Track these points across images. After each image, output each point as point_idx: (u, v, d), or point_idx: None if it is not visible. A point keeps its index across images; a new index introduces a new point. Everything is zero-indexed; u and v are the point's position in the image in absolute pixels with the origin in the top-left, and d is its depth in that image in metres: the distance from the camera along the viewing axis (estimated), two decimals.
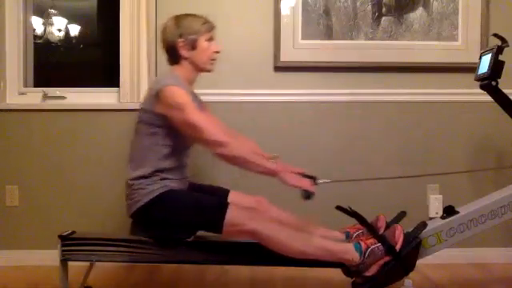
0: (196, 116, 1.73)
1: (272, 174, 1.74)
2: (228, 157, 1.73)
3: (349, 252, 1.75)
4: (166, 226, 1.80)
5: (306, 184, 1.74)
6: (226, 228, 1.73)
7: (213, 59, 1.94)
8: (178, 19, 1.90)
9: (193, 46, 1.87)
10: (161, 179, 1.81)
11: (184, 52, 1.87)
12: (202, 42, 1.89)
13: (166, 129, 1.80)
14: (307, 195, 1.74)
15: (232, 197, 1.98)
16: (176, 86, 1.77)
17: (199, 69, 1.93)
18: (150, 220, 1.81)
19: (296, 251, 1.75)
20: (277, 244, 1.74)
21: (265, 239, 1.74)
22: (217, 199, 1.86)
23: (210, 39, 1.92)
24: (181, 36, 1.86)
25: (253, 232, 1.73)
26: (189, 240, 1.85)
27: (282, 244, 1.74)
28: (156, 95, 1.77)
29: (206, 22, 1.92)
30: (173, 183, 1.83)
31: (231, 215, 1.73)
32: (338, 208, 1.78)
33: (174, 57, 1.90)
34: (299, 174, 1.81)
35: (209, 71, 1.96)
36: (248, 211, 1.79)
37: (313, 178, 1.82)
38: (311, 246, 1.75)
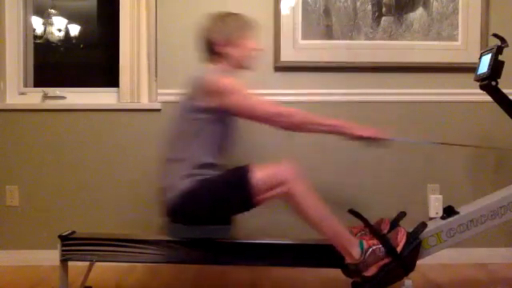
0: (251, 97, 1.79)
1: (339, 127, 1.82)
2: (295, 124, 1.80)
3: (354, 246, 1.76)
4: (200, 219, 1.80)
5: (374, 131, 1.82)
6: (256, 191, 1.71)
7: (253, 57, 1.95)
8: (219, 18, 1.92)
9: (234, 43, 1.89)
10: (201, 175, 1.79)
11: (225, 49, 1.88)
12: (243, 40, 1.90)
13: (214, 124, 1.80)
14: (376, 143, 1.82)
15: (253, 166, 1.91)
16: (223, 76, 1.80)
17: (239, 66, 1.94)
18: (184, 214, 1.80)
19: (315, 220, 1.74)
20: (301, 206, 1.73)
21: (294, 198, 1.72)
22: (238, 169, 1.81)
23: (250, 37, 1.93)
24: (223, 34, 1.87)
25: (285, 188, 1.71)
26: (228, 227, 1.84)
27: (305, 207, 1.73)
28: (204, 88, 1.78)
29: (246, 20, 1.95)
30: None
31: (258, 177, 1.71)
32: (351, 212, 1.80)
33: (214, 55, 1.91)
34: None
35: (249, 69, 1.97)
36: (276, 169, 1.75)
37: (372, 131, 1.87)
38: (327, 223, 1.75)
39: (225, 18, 1.92)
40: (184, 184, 1.76)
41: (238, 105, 1.78)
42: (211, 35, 1.89)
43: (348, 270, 1.81)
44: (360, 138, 1.84)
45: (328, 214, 1.76)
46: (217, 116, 1.80)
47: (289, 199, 1.73)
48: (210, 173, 1.80)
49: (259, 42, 1.97)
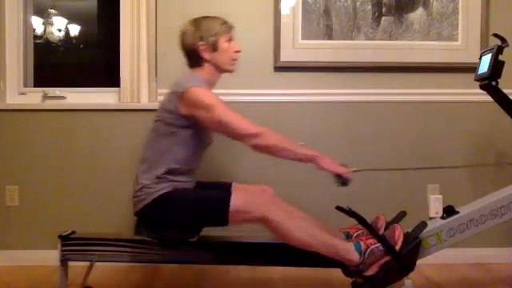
0: (226, 113, 1.77)
1: (310, 159, 1.78)
2: (265, 146, 1.76)
3: (350, 252, 1.76)
4: (169, 225, 1.80)
5: (343, 170, 1.77)
6: (233, 217, 1.73)
7: (234, 59, 1.94)
8: (197, 22, 1.91)
9: (214, 47, 1.88)
10: (170, 181, 1.81)
11: (205, 54, 1.88)
12: (223, 43, 1.90)
13: (187, 130, 1.82)
14: (343, 181, 1.76)
15: (235, 187, 1.97)
16: (201, 87, 1.80)
17: (221, 70, 1.94)
18: (154, 219, 1.82)
19: (301, 242, 1.75)
20: (284, 231, 1.73)
21: (273, 226, 1.73)
22: (219, 191, 1.86)
23: (230, 39, 1.93)
24: (201, 39, 1.87)
25: (261, 218, 1.72)
26: (192, 240, 1.85)
27: (289, 232, 1.73)
28: (181, 97, 1.78)
29: (224, 22, 1.94)
30: (180, 184, 1.84)
31: (236, 203, 1.73)
32: (338, 208, 1.78)
33: (195, 60, 1.90)
34: None
35: (231, 71, 1.97)
36: (254, 198, 1.78)
37: (344, 166, 1.82)
38: (317, 239, 1.75)
39: (202, 22, 1.91)
40: (157, 188, 1.78)
41: (212, 120, 1.77)
42: (190, 40, 1.88)
43: (348, 269, 1.81)
44: (331, 173, 1.79)
45: (313, 230, 1.77)
46: (192, 124, 1.81)
47: (266, 223, 1.74)
48: (181, 178, 1.83)
49: (238, 43, 1.96)
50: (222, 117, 1.76)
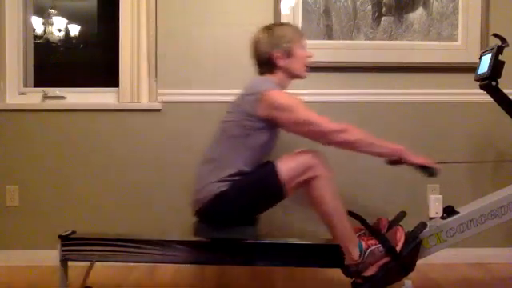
0: (308, 113, 1.78)
1: (396, 152, 1.79)
2: (352, 142, 1.77)
3: (354, 245, 1.78)
4: (231, 220, 1.81)
5: (430, 161, 1.78)
6: (287, 186, 1.73)
7: (306, 65, 1.95)
8: (270, 30, 1.91)
9: (288, 54, 1.88)
10: (233, 181, 1.80)
11: (280, 61, 1.88)
12: (297, 50, 1.90)
13: (262, 133, 1.81)
14: (431, 172, 1.77)
15: (280, 159, 1.89)
16: (279, 90, 1.82)
17: (293, 76, 1.94)
18: (214, 217, 1.82)
19: (329, 210, 1.75)
20: (321, 194, 1.74)
21: (315, 185, 1.73)
22: (265, 168, 1.82)
23: (303, 46, 1.93)
24: (277, 46, 1.87)
25: (311, 178, 1.72)
26: (249, 241, 1.84)
27: (326, 196, 1.74)
28: (260, 99, 1.78)
29: (296, 29, 1.96)
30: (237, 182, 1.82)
31: (285, 172, 1.73)
32: (349, 213, 1.80)
33: (268, 67, 1.91)
34: None
35: (302, 78, 1.97)
36: (302, 160, 1.76)
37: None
38: (340, 216, 1.76)
39: (276, 29, 1.91)
40: (217, 187, 1.78)
41: (294, 121, 1.78)
42: (265, 48, 1.88)
43: (348, 269, 1.81)
44: (412, 165, 1.81)
45: (341, 208, 1.78)
46: (266, 126, 1.81)
47: (311, 185, 1.74)
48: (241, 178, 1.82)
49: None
50: (305, 116, 1.77)
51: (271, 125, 1.81)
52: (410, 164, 1.80)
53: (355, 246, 1.76)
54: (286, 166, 1.74)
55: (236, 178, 1.79)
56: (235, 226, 1.83)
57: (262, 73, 1.94)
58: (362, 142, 1.78)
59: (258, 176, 1.79)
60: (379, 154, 1.81)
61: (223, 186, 1.77)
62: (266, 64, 1.90)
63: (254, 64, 1.95)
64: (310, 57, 1.95)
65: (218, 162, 1.82)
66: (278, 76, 1.90)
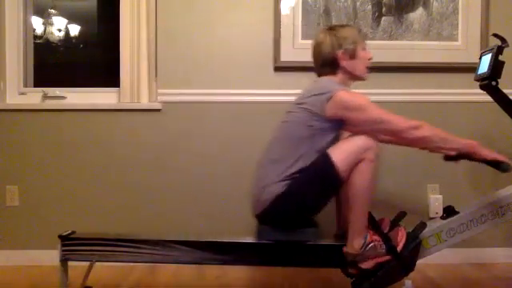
0: (381, 111, 1.78)
1: (469, 148, 1.77)
2: (427, 137, 1.77)
3: (360, 236, 1.77)
4: (291, 218, 1.81)
5: (503, 157, 1.75)
6: (344, 174, 1.72)
7: (367, 67, 1.95)
8: (334, 31, 1.91)
9: (351, 55, 1.88)
10: (293, 179, 1.78)
11: (344, 62, 1.88)
12: (360, 51, 1.90)
13: (327, 134, 1.80)
14: (505, 168, 1.73)
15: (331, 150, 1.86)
16: (347, 90, 1.81)
17: (355, 77, 1.93)
18: (276, 218, 1.82)
19: (359, 195, 1.75)
20: (362, 178, 1.73)
21: (361, 170, 1.73)
22: (319, 161, 1.79)
23: (364, 47, 1.93)
24: (341, 46, 1.87)
25: (363, 159, 1.72)
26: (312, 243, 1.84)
27: (364, 182, 1.74)
28: (328, 99, 1.77)
29: (359, 30, 1.97)
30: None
31: (340, 162, 1.72)
32: None
33: (331, 68, 1.90)
34: None
35: (363, 79, 1.96)
36: (354, 146, 1.75)
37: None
38: (365, 205, 1.77)
39: (339, 30, 1.91)
40: (277, 188, 1.77)
41: (368, 120, 1.77)
42: (329, 49, 1.88)
43: (346, 258, 1.80)
44: (484, 161, 1.78)
45: (370, 198, 1.78)
46: (334, 126, 1.80)
47: (357, 165, 1.73)
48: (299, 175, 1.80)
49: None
50: (377, 115, 1.77)
51: (338, 125, 1.81)
52: (479, 160, 1.77)
53: (361, 237, 1.76)
54: (341, 155, 1.73)
55: (296, 175, 1.78)
56: (298, 228, 1.83)
57: (322, 74, 1.93)
58: (435, 138, 1.78)
59: (314, 170, 1.77)
60: (453, 150, 1.79)
61: (284, 186, 1.76)
62: (328, 65, 1.89)
63: (315, 65, 1.94)
64: (370, 58, 1.95)
65: (280, 163, 1.80)
66: (340, 77, 1.90)
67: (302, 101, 1.85)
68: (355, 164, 1.73)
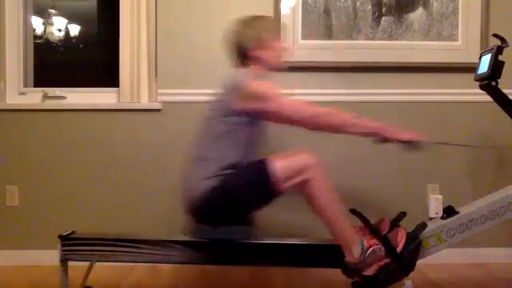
0: (287, 100, 1.79)
1: (378, 130, 1.80)
2: (334, 124, 1.79)
3: (355, 244, 1.76)
4: (223, 218, 1.80)
5: (413, 134, 1.79)
6: (279, 185, 1.71)
7: (281, 57, 1.95)
8: (248, 22, 1.92)
9: (265, 45, 1.89)
10: (220, 175, 1.78)
11: (257, 53, 1.88)
12: (273, 41, 1.91)
13: (242, 126, 1.81)
14: (416, 147, 1.78)
15: (273, 157, 1.85)
16: (256, 81, 1.81)
17: (271, 68, 1.94)
18: (207, 216, 1.81)
19: (326, 210, 1.74)
20: (317, 194, 1.73)
21: (313, 185, 1.72)
22: (257, 165, 1.79)
23: (278, 38, 1.94)
24: (254, 37, 1.87)
25: (305, 180, 1.71)
26: (247, 241, 1.85)
27: (322, 196, 1.73)
28: (239, 92, 1.78)
29: (272, 21, 1.99)
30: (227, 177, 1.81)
31: (278, 170, 1.71)
32: (351, 211, 1.79)
33: (245, 59, 1.90)
34: None
35: (278, 70, 1.96)
36: (296, 161, 1.74)
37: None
38: (338, 215, 1.76)
39: (253, 21, 1.92)
40: (207, 184, 1.76)
41: (277, 110, 1.78)
42: (241, 39, 1.89)
43: (348, 269, 1.81)
44: (399, 141, 1.82)
45: (339, 207, 1.77)
46: (250, 119, 1.81)
47: (307, 187, 1.72)
48: (231, 171, 1.80)
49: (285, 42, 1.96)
50: (285, 104, 1.78)
51: (255, 117, 1.81)
52: (396, 141, 1.81)
53: (355, 245, 1.76)
54: (281, 165, 1.72)
55: (227, 171, 1.77)
56: (230, 225, 1.82)
57: (237, 64, 1.93)
58: (345, 123, 1.79)
59: (250, 171, 1.78)
60: (364, 135, 1.81)
61: (215, 181, 1.76)
62: (242, 55, 1.90)
63: (230, 56, 1.94)
64: (286, 50, 1.95)
65: (207, 160, 1.81)
66: (255, 68, 1.90)
67: (219, 97, 1.86)
68: (299, 183, 1.72)
